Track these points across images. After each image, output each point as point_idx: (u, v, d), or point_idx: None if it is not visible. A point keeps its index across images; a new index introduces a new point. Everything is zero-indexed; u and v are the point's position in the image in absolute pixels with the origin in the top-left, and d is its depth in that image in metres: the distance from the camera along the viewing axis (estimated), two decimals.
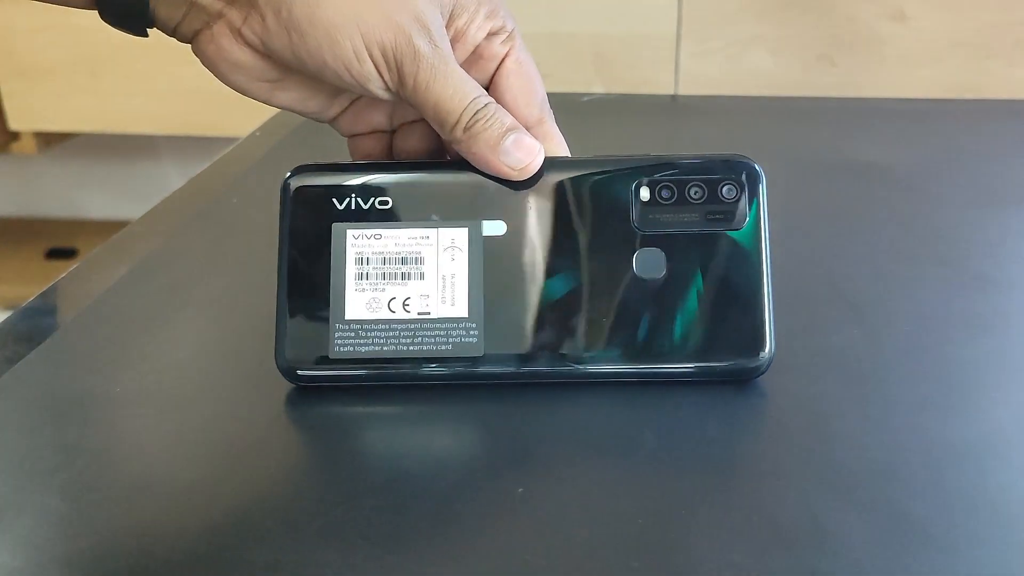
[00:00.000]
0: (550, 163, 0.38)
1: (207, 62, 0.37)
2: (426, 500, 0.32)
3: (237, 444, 0.35)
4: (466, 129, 0.37)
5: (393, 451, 0.35)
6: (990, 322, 0.43)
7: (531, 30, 0.83)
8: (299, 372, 0.37)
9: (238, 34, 0.36)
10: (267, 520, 0.31)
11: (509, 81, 0.39)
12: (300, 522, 0.31)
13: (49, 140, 1.48)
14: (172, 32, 0.37)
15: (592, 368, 0.37)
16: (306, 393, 0.38)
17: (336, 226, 0.37)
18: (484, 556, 0.29)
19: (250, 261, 0.49)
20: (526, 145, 0.37)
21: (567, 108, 0.77)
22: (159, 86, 1.32)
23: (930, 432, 0.35)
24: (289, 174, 0.38)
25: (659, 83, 0.84)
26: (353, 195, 0.38)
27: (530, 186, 0.37)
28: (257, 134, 0.72)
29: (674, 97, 0.83)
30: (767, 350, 0.36)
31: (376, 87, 0.37)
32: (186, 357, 0.41)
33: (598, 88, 0.84)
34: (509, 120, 0.37)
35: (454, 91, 0.36)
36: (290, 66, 0.37)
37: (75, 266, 0.50)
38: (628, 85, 0.84)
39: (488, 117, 0.37)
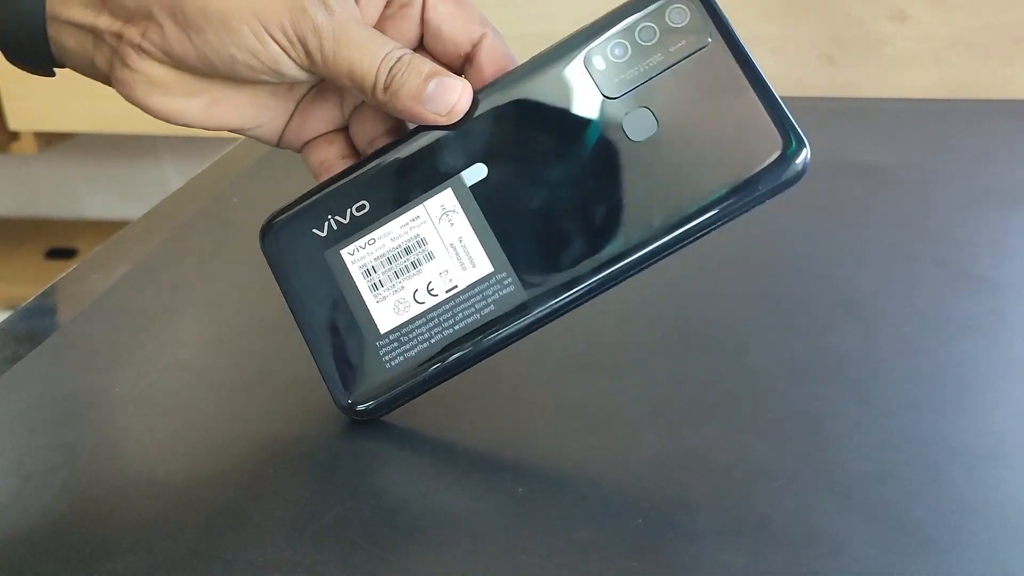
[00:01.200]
0: (497, 85, 0.36)
1: (126, 91, 0.36)
2: (426, 500, 0.32)
3: (236, 444, 0.35)
4: (386, 88, 0.35)
5: (392, 451, 0.35)
6: (988, 323, 0.43)
7: (530, 30, 0.83)
8: (362, 407, 0.35)
9: (140, 50, 0.35)
10: (267, 520, 0.31)
11: (437, 11, 0.37)
12: (300, 522, 0.31)
13: (49, 140, 1.48)
14: (91, 70, 0.36)
15: (637, 254, 0.34)
16: (306, 393, 0.38)
17: (329, 253, 0.36)
18: (484, 556, 0.29)
19: (250, 261, 0.49)
20: (449, 85, 0.35)
21: None
22: None
23: (928, 433, 0.35)
24: (263, 229, 0.37)
25: None
26: (329, 216, 0.36)
27: (490, 117, 0.35)
28: None
29: None
30: (792, 143, 0.33)
31: (289, 68, 0.35)
32: (187, 357, 0.41)
33: None
34: (428, 66, 0.35)
35: (362, 53, 0.35)
36: (202, 72, 0.35)
37: (75, 266, 0.50)
38: None
39: (404, 69, 0.35)
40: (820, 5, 0.80)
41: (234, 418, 0.37)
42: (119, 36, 0.35)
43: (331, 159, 0.39)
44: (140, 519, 0.31)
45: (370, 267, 0.36)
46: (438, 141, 0.36)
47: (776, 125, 0.33)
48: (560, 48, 0.36)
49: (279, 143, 0.39)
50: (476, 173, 0.35)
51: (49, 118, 1.37)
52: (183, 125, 0.37)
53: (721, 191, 0.33)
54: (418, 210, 0.36)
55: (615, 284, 0.34)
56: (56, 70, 0.38)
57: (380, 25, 0.37)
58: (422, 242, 0.35)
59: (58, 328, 0.43)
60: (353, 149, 0.40)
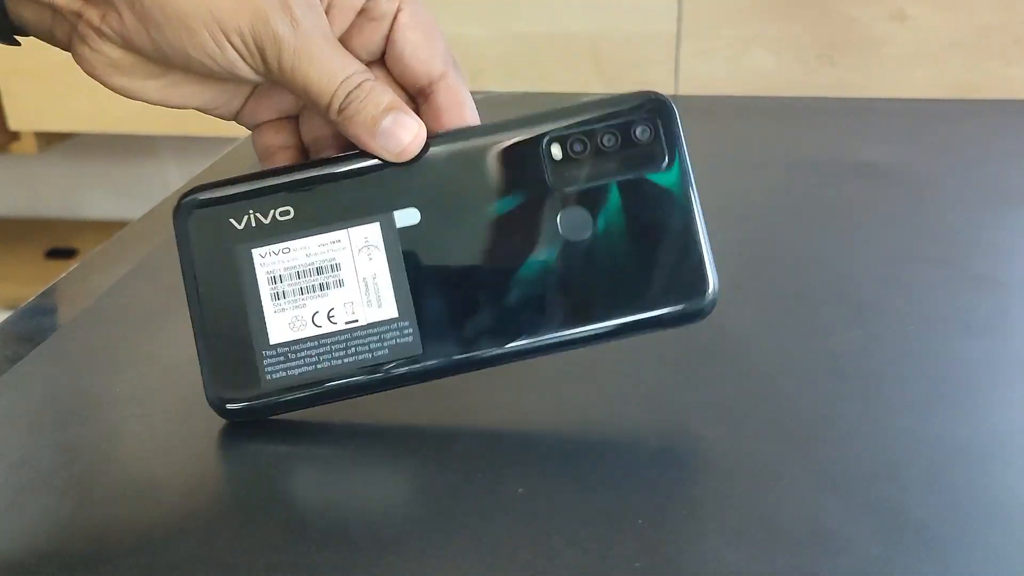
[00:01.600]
0: (452, 136, 0.36)
1: (86, 68, 0.36)
2: (426, 500, 0.32)
3: (237, 444, 0.35)
4: (340, 111, 0.35)
5: (392, 452, 0.35)
6: (990, 322, 0.43)
7: (530, 30, 0.83)
8: (231, 407, 0.35)
9: (99, 33, 0.34)
10: (267, 520, 0.31)
11: (405, 36, 0.36)
12: (300, 522, 0.31)
13: (49, 140, 1.48)
14: (51, 40, 0.36)
15: (535, 342, 0.35)
16: None
17: (239, 248, 0.35)
18: (484, 556, 0.29)
19: None
20: (405, 124, 0.35)
21: None
22: None
23: (930, 433, 0.35)
24: (180, 200, 0.36)
25: (659, 83, 0.84)
26: (251, 211, 0.35)
27: (437, 166, 0.35)
28: None
29: (674, 97, 0.83)
30: (710, 289, 0.34)
31: (245, 73, 0.35)
32: (186, 357, 0.41)
33: (598, 88, 0.84)
34: (387, 98, 0.35)
35: (321, 72, 0.34)
36: (157, 61, 0.35)
37: (75, 266, 0.50)
38: (628, 85, 0.84)
39: (363, 97, 0.35)
40: (820, 5, 0.80)
41: None
42: (78, 15, 0.34)
43: (275, 146, 0.39)
44: (140, 520, 0.31)
45: (278, 276, 0.35)
46: (381, 172, 0.35)
47: (704, 267, 0.35)
48: (525, 121, 0.35)
49: (235, 120, 0.39)
50: (408, 217, 0.35)
51: (49, 118, 1.37)
52: (142, 101, 0.37)
53: (631, 315, 0.35)
54: (341, 234, 0.35)
55: (508, 363, 0.35)
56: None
57: (347, 32, 0.37)
58: (336, 267, 0.35)
59: (58, 328, 0.43)
60: (299, 139, 0.39)
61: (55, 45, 0.36)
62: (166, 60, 0.35)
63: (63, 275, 0.49)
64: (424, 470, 0.33)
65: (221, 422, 0.36)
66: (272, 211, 0.35)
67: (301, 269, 0.35)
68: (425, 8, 0.37)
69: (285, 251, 0.35)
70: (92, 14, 0.34)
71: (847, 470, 0.33)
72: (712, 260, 0.35)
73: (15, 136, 1.42)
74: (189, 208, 0.35)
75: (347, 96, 0.35)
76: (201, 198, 0.36)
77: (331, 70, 0.34)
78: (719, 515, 0.31)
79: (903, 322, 0.42)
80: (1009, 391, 0.37)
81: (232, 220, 0.35)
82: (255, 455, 0.34)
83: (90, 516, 0.31)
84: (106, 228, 1.55)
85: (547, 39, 0.83)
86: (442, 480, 0.33)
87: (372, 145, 0.35)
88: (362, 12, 0.36)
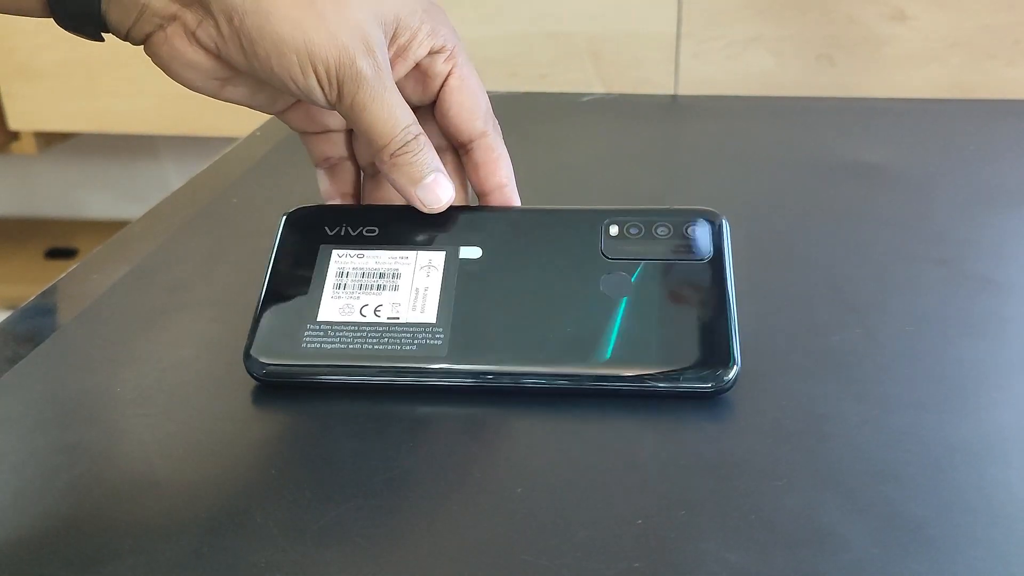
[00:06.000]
0: (532, 208, 0.42)
1: (160, 63, 0.38)
2: (425, 500, 0.32)
3: (238, 444, 0.35)
4: (392, 155, 0.38)
5: (392, 452, 0.35)
6: (990, 322, 0.43)
7: (530, 30, 0.83)
8: (263, 364, 0.37)
9: (192, 36, 0.37)
10: (268, 520, 0.31)
11: (453, 97, 0.41)
12: (300, 522, 0.31)
13: (49, 140, 1.48)
14: (124, 36, 0.38)
15: (554, 379, 0.37)
16: (308, 394, 0.38)
17: (323, 247, 0.40)
18: (484, 556, 0.29)
19: (250, 261, 0.49)
20: (442, 186, 0.39)
21: (567, 108, 0.77)
22: (159, 86, 1.31)
23: (930, 433, 0.35)
24: (291, 211, 0.42)
25: (659, 83, 0.84)
26: (344, 224, 0.41)
27: (508, 220, 0.41)
28: (257, 134, 0.72)
29: (674, 97, 0.83)
30: (732, 368, 0.36)
31: (318, 99, 0.38)
32: (186, 357, 0.41)
33: (598, 88, 0.85)
34: (434, 161, 0.39)
35: (388, 116, 0.38)
36: (241, 70, 0.38)
37: (75, 266, 0.50)
38: (628, 85, 0.84)
39: (416, 151, 0.39)
40: (820, 5, 0.79)
41: (234, 418, 0.37)
42: (173, 18, 0.37)
43: (334, 157, 0.43)
44: (142, 520, 0.31)
45: (346, 271, 0.40)
46: (459, 218, 0.41)
47: (726, 351, 0.37)
48: (595, 209, 0.41)
49: (278, 117, 0.43)
50: (472, 252, 0.40)
51: (49, 118, 1.37)
52: (199, 92, 0.39)
53: (647, 376, 0.36)
54: (410, 254, 0.40)
55: (523, 388, 0.37)
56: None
57: (402, 81, 0.40)
58: (396, 275, 0.39)
59: (58, 328, 0.43)
60: (351, 152, 0.43)
61: (126, 40, 0.38)
62: (250, 71, 0.37)
63: (63, 275, 0.49)
64: (424, 470, 0.34)
65: (221, 423, 0.36)
66: (361, 228, 0.41)
67: (367, 271, 0.40)
68: (473, 71, 0.41)
69: (359, 256, 0.40)
70: (189, 18, 0.36)
71: (846, 470, 0.33)
72: (737, 343, 0.37)
73: (15, 136, 1.42)
74: (295, 213, 0.42)
75: (403, 145, 0.38)
76: (308, 208, 0.42)
77: (396, 116, 0.38)
78: (719, 515, 0.31)
79: (902, 322, 0.42)
80: (1008, 391, 0.37)
81: (326, 227, 0.41)
82: (255, 455, 0.34)
83: (90, 516, 0.31)
84: (106, 228, 1.55)
85: (546, 39, 0.83)
86: (441, 480, 0.33)
87: (411, 193, 0.39)
88: (418, 67, 0.40)
